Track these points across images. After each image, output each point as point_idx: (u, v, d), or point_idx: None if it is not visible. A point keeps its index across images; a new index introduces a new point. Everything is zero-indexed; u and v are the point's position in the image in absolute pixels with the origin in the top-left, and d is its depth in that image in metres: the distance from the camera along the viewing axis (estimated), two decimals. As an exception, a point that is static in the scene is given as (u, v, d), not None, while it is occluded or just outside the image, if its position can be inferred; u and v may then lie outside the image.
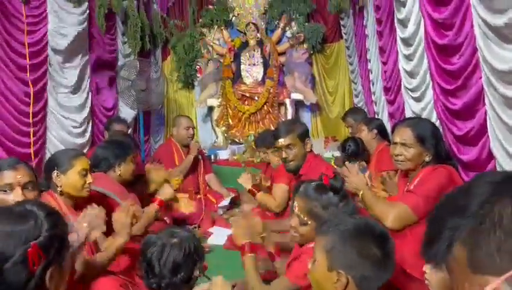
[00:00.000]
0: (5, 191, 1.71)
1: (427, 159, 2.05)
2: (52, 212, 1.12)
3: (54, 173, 2.10)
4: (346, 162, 2.23)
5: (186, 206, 3.70)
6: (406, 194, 2.02)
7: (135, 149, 2.90)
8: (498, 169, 1.94)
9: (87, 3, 4.03)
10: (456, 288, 0.64)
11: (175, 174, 3.74)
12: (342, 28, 5.35)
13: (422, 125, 2.12)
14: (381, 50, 3.55)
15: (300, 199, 1.74)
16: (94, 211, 1.87)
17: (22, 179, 1.73)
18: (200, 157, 4.02)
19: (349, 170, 2.14)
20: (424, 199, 1.93)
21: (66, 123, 3.91)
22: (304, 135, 2.66)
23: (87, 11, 4.08)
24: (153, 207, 2.55)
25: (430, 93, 2.67)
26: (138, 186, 3.07)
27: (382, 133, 3.31)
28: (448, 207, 0.67)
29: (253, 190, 3.11)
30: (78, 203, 2.19)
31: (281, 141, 2.61)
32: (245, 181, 3.16)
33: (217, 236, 3.39)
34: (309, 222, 1.67)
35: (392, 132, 2.20)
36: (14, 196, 1.68)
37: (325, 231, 1.24)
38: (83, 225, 1.77)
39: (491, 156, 2.01)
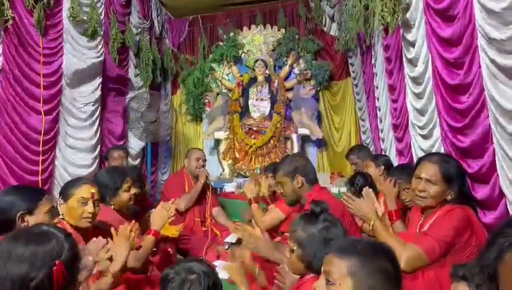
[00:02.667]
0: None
1: (448, 197, 2.03)
2: (68, 234, 1.18)
3: (59, 201, 2.14)
4: (365, 188, 2.24)
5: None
6: (421, 236, 1.99)
7: (128, 177, 2.85)
8: (509, 208, 1.92)
9: (101, 36, 4.15)
10: None
11: (183, 202, 3.75)
12: (350, 66, 5.46)
13: (449, 163, 2.09)
14: (390, 88, 3.59)
15: (290, 227, 1.78)
16: (98, 245, 1.86)
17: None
18: (209, 185, 4.06)
19: (366, 195, 2.14)
20: (440, 243, 1.90)
21: (75, 153, 3.94)
22: (293, 172, 2.65)
23: (102, 44, 4.21)
24: (150, 239, 2.50)
25: (437, 131, 2.69)
26: (143, 217, 3.08)
27: (389, 169, 3.33)
28: (508, 221, 0.74)
29: (252, 200, 3.28)
30: (86, 234, 2.18)
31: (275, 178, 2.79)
32: (248, 190, 3.30)
33: (222, 270, 3.34)
34: (294, 248, 1.68)
35: (417, 166, 2.16)
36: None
37: (344, 253, 1.21)
38: (88, 258, 1.75)
39: (502, 195, 2.00)
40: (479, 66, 2.05)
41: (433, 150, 2.76)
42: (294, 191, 2.64)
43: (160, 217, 2.58)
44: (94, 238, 1.92)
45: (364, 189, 2.29)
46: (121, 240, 2.03)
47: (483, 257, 0.76)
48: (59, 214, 2.11)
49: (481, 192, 2.19)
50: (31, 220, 1.79)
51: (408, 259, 1.88)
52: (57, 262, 1.03)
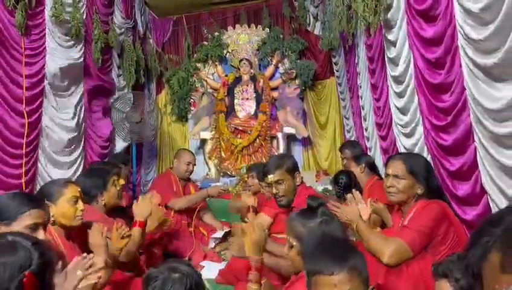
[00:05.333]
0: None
1: (419, 191, 2.09)
2: (36, 241, 1.14)
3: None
4: (353, 190, 2.29)
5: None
6: (402, 229, 2.04)
7: (114, 171, 2.88)
8: (491, 204, 1.98)
9: (84, 36, 4.10)
10: None
11: (179, 203, 3.75)
12: (334, 65, 5.51)
13: (414, 158, 2.20)
14: (373, 87, 3.64)
15: (287, 224, 1.78)
16: (88, 261, 1.82)
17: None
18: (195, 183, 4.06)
19: (354, 198, 2.18)
20: (419, 234, 1.95)
21: (59, 154, 3.89)
22: (293, 169, 2.67)
23: (84, 45, 4.16)
24: (136, 230, 2.50)
25: (420, 129, 2.74)
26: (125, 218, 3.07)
27: (371, 167, 3.37)
28: (490, 220, 0.75)
29: (253, 207, 3.18)
30: (71, 233, 2.18)
31: (271, 177, 2.63)
32: (248, 198, 3.24)
33: (209, 270, 3.34)
34: (294, 243, 1.69)
35: (386, 165, 2.25)
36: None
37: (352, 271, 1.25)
38: (77, 273, 1.71)
39: (483, 191, 2.05)
40: (460, 66, 2.10)
41: (416, 148, 2.81)
42: (294, 189, 2.63)
43: (142, 207, 2.58)
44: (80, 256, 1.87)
45: (352, 191, 2.33)
46: (95, 237, 2.03)
47: (468, 256, 0.78)
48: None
49: (462, 189, 2.25)
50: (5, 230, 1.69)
51: (392, 253, 1.92)
52: (26, 273, 1.01)
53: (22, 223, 1.73)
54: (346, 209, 2.18)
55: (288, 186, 2.61)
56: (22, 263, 1.02)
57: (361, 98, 4.11)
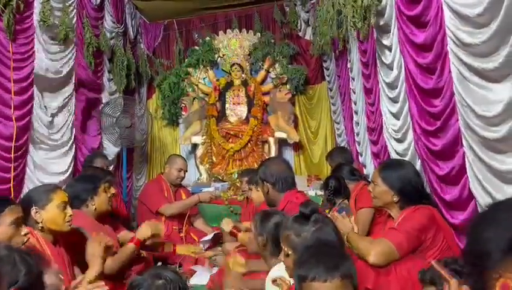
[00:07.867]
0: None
1: (395, 199, 2.14)
2: (26, 254, 1.11)
3: (33, 210, 2.07)
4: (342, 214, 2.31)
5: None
6: (389, 230, 2.08)
7: (106, 178, 2.90)
8: (479, 209, 1.99)
9: (73, 41, 4.07)
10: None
11: (171, 210, 3.77)
12: (325, 70, 5.52)
13: (390, 166, 2.27)
14: (367, 91, 3.65)
15: (282, 232, 1.77)
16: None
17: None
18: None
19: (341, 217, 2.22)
20: (406, 235, 1.98)
21: (48, 159, 3.85)
22: (260, 180, 2.78)
23: (74, 49, 4.13)
24: (130, 246, 2.58)
25: (411, 134, 2.75)
26: (115, 223, 3.08)
27: (352, 176, 3.35)
28: (483, 240, 0.72)
29: (234, 231, 3.17)
30: (57, 239, 2.16)
31: None
32: (226, 224, 3.27)
33: (199, 276, 3.33)
34: (289, 252, 1.68)
35: None
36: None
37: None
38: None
39: (471, 196, 2.07)
40: (450, 71, 2.12)
41: (408, 153, 2.83)
42: (264, 196, 2.78)
43: (147, 229, 2.69)
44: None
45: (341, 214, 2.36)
46: (95, 248, 2.02)
47: (469, 283, 0.75)
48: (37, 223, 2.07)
49: (450, 194, 2.27)
50: None
51: (377, 252, 1.95)
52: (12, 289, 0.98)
53: (7, 220, 1.72)
54: (338, 222, 2.20)
55: (259, 193, 2.89)
56: (7, 280, 0.99)
57: (355, 103, 4.11)
